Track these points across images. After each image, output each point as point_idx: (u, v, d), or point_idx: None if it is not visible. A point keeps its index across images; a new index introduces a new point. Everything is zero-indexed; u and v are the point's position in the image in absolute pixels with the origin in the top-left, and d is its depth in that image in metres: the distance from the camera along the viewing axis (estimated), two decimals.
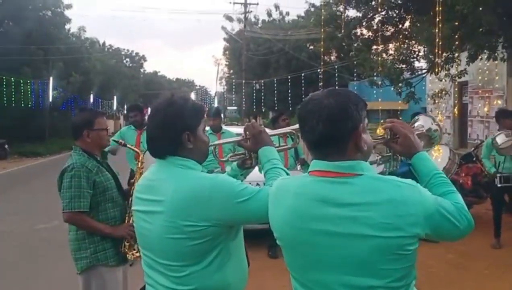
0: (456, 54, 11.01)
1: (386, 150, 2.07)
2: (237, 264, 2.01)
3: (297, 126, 2.30)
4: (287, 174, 2.03)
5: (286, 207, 1.65)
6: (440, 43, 8.88)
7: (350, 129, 1.57)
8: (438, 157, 5.86)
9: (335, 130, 1.56)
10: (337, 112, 1.56)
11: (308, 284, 1.64)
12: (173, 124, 1.92)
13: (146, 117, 6.86)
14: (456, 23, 9.66)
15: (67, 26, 33.00)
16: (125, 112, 51.98)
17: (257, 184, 2.04)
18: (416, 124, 2.26)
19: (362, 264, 1.52)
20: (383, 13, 12.53)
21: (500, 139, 6.63)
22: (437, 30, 8.51)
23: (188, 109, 1.97)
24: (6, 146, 22.32)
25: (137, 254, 3.26)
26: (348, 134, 1.58)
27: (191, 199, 1.84)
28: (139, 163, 3.54)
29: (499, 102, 14.19)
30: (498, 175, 6.73)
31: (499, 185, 6.72)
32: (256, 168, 2.35)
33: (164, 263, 1.91)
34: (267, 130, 2.32)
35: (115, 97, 50.30)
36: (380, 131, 2.17)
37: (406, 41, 12.55)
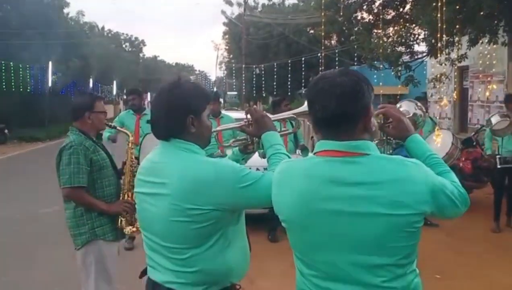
0: (457, 38, 10.94)
1: (380, 135, 2.10)
2: (239, 248, 2.03)
3: (297, 110, 2.31)
4: (290, 158, 2.03)
5: (294, 189, 1.65)
6: (443, 26, 8.82)
7: (362, 108, 1.60)
8: (440, 142, 5.86)
9: (348, 108, 1.58)
10: (351, 90, 1.58)
11: (315, 265, 1.66)
12: (178, 106, 1.93)
13: (146, 102, 6.88)
14: (457, 7, 9.58)
15: (65, 10, 32.81)
16: (125, 96, 51.91)
17: (257, 169, 2.04)
18: (400, 110, 2.27)
19: (372, 243, 1.55)
20: None
21: (494, 119, 6.64)
22: (438, 15, 8.43)
23: (194, 93, 1.99)
24: (6, 130, 22.32)
25: (134, 229, 3.47)
26: (360, 113, 1.60)
27: (196, 183, 1.85)
28: (130, 143, 3.77)
29: (494, 86, 14.12)
30: (498, 156, 6.76)
31: (499, 166, 6.75)
32: (256, 153, 2.36)
33: (166, 245, 1.93)
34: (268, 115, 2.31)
35: (114, 82, 50.13)
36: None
37: (407, 24, 12.46)
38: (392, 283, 1.58)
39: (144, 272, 2.12)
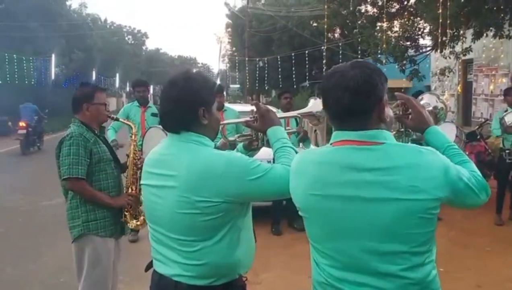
0: (462, 32, 10.89)
1: (399, 126, 2.11)
2: (247, 240, 2.03)
3: (302, 110, 2.33)
4: (296, 152, 2.04)
5: (310, 176, 1.66)
6: (447, 21, 8.78)
7: (374, 100, 1.60)
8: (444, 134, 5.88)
9: (360, 102, 1.58)
10: (363, 84, 1.58)
11: (330, 254, 1.65)
12: (191, 98, 1.93)
13: (149, 95, 6.79)
14: (462, 0, 9.53)
15: (68, 2, 32.75)
16: (127, 89, 51.89)
17: (268, 161, 2.05)
18: (421, 103, 2.28)
19: (387, 229, 1.54)
20: None
21: (509, 118, 6.67)
22: (439, 11, 8.40)
23: (205, 84, 1.99)
24: (9, 123, 22.30)
25: (138, 223, 3.46)
26: (373, 105, 1.60)
27: (206, 175, 1.84)
28: (133, 136, 3.72)
29: (504, 80, 14.07)
30: (507, 150, 6.80)
31: (508, 161, 6.79)
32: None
33: (175, 237, 1.92)
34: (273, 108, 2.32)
35: (117, 75, 50.08)
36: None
37: (412, 18, 12.39)
38: (410, 273, 1.57)
39: (149, 266, 2.11)
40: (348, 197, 1.57)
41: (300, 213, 1.73)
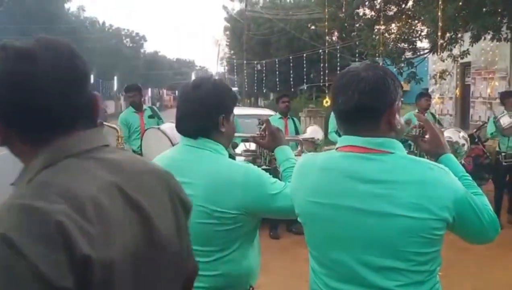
0: (459, 34, 10.89)
1: (414, 148, 2.09)
2: (257, 249, 2.02)
3: (304, 135, 2.36)
4: None
5: (311, 182, 1.62)
6: (444, 23, 8.79)
7: (385, 103, 1.54)
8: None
9: (370, 102, 1.52)
10: (374, 85, 1.52)
11: (327, 263, 1.61)
12: (213, 103, 1.89)
13: (146, 98, 6.76)
14: (460, 3, 9.53)
15: (66, 6, 32.81)
16: (124, 92, 51.79)
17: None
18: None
19: (386, 245, 1.48)
20: None
21: (504, 120, 6.66)
22: (440, 13, 8.40)
23: (227, 92, 1.96)
24: None
25: None
26: (383, 108, 1.54)
27: (225, 185, 1.81)
28: (119, 139, 3.64)
29: (497, 83, 14.07)
30: (503, 153, 6.80)
31: (504, 163, 6.78)
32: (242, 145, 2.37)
33: None
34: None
35: (115, 78, 50.00)
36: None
37: (409, 20, 12.40)
38: (407, 289, 1.51)
39: None
40: (349, 208, 1.51)
41: (298, 219, 1.70)
